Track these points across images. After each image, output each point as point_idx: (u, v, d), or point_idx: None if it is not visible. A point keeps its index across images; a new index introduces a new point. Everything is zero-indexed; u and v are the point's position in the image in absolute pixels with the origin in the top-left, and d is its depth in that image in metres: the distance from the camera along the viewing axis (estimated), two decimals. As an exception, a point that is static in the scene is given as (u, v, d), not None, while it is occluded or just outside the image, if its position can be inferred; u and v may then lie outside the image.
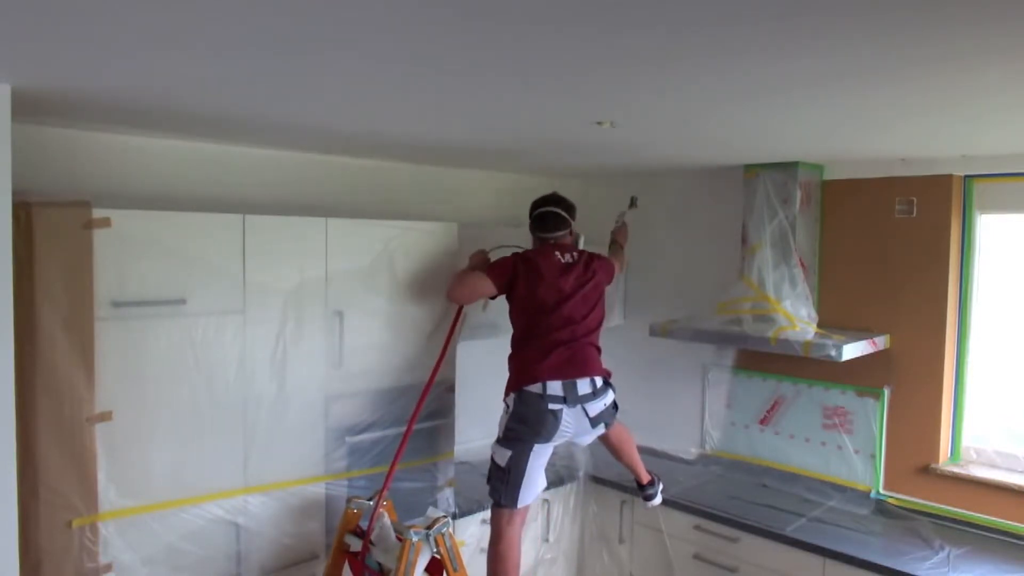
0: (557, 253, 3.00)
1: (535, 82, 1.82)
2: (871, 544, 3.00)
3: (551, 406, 2.79)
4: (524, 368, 2.86)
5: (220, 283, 2.60)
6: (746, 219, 3.56)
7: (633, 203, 3.67)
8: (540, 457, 2.87)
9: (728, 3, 1.22)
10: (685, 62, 1.61)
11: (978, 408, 3.27)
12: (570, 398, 2.81)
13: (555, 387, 2.80)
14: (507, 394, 2.91)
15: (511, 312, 3.00)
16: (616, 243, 3.57)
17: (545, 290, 2.90)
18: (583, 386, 2.84)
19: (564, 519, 3.81)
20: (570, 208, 3.14)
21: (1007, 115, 2.18)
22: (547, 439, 2.84)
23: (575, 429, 2.88)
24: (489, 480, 2.93)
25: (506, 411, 2.90)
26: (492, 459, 2.92)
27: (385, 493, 2.80)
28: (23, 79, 1.83)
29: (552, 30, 1.38)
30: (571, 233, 3.14)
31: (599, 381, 2.90)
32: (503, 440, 2.88)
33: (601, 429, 2.97)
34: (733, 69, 1.66)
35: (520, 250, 3.08)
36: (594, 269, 3.03)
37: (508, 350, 3.01)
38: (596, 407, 2.88)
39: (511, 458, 2.84)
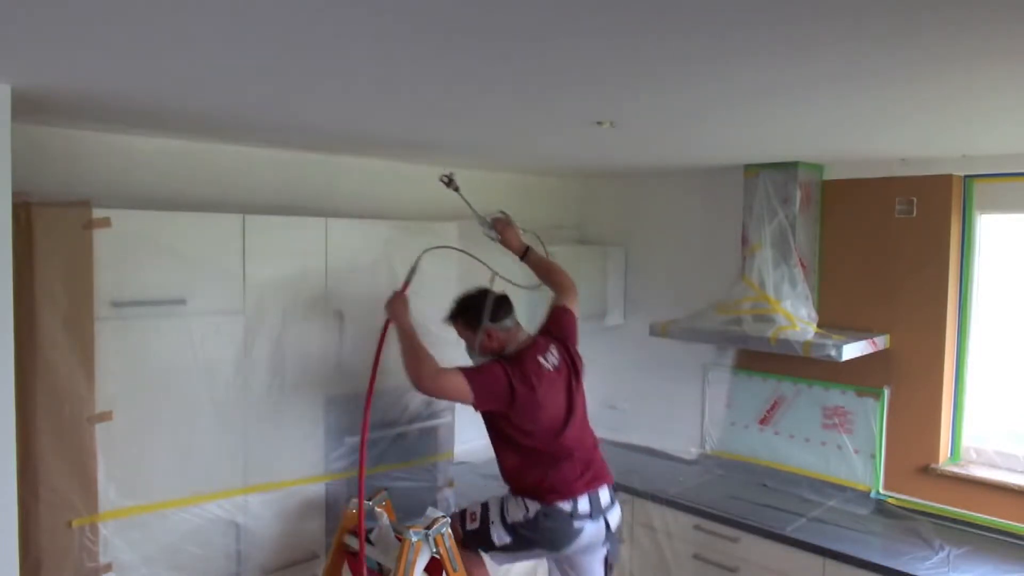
0: (540, 359, 2.67)
1: (535, 82, 1.82)
2: (871, 544, 3.00)
3: (576, 524, 2.62)
4: (550, 484, 2.62)
5: (220, 283, 2.61)
6: (746, 219, 3.56)
7: (449, 182, 2.96)
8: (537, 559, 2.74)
9: (728, 6, 1.22)
10: (685, 63, 1.61)
11: (978, 408, 3.27)
12: (595, 511, 2.65)
13: (584, 503, 2.62)
14: (525, 495, 2.66)
15: (498, 424, 2.67)
16: (528, 254, 2.99)
17: (549, 410, 2.64)
18: (604, 495, 2.69)
19: (564, 519, 3.81)
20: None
21: (1007, 115, 2.18)
22: (558, 551, 2.67)
23: (589, 540, 2.67)
24: (470, 533, 2.72)
25: (521, 511, 2.65)
26: (485, 522, 2.68)
27: (363, 500, 2.68)
28: (23, 79, 1.83)
29: (552, 31, 1.38)
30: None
31: (611, 488, 2.75)
32: (509, 531, 2.66)
33: (609, 546, 2.74)
34: (733, 70, 1.66)
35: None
36: (573, 356, 2.78)
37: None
38: (615, 516, 2.73)
39: (509, 546, 2.67)
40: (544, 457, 2.64)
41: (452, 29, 1.38)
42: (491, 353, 2.73)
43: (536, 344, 2.72)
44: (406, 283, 2.80)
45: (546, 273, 2.99)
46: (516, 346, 2.71)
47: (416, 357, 2.55)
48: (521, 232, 3.02)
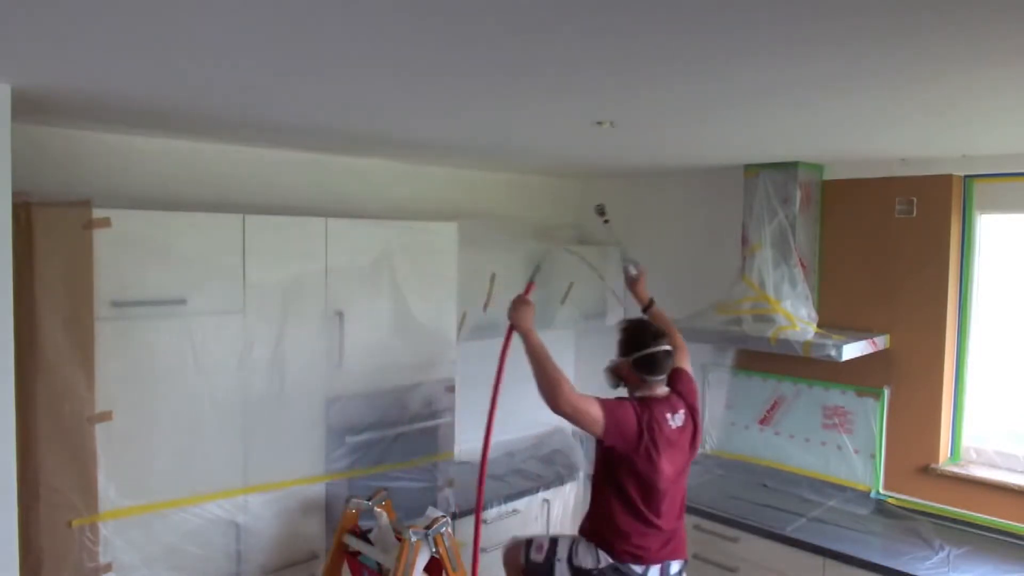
0: (668, 415, 2.61)
1: (535, 82, 1.82)
2: (871, 544, 3.00)
3: None
4: (630, 545, 2.59)
5: (220, 283, 2.61)
6: (746, 219, 3.56)
7: (602, 213, 3.12)
8: None
9: (728, 6, 1.22)
10: (685, 63, 1.60)
11: (978, 408, 3.27)
12: None
13: (655, 572, 2.60)
14: (601, 545, 2.63)
15: (614, 465, 2.60)
16: (652, 306, 3.06)
17: (661, 465, 2.55)
18: (674, 568, 2.66)
19: (564, 519, 3.81)
20: (668, 336, 2.72)
21: (1007, 115, 2.18)
22: None
23: None
24: (533, 564, 2.72)
25: (591, 559, 2.62)
26: (551, 558, 2.68)
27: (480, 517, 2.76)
28: (23, 79, 1.83)
29: (552, 32, 1.38)
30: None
31: (683, 564, 2.71)
32: (574, 573, 2.63)
33: None
34: (733, 70, 1.66)
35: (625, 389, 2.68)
36: (696, 424, 2.70)
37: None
38: None
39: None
40: (637, 512, 2.58)
41: (450, 31, 1.38)
42: (617, 377, 2.72)
43: (668, 400, 2.66)
44: (529, 284, 2.72)
45: (669, 327, 2.95)
46: (645, 393, 2.66)
47: (552, 377, 2.50)
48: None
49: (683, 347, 2.92)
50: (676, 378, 2.77)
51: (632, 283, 3.12)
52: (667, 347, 2.64)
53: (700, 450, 3.95)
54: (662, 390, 2.68)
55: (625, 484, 2.58)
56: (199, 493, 2.57)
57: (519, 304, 2.69)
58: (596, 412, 2.49)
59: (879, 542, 3.03)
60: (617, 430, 2.51)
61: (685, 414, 2.66)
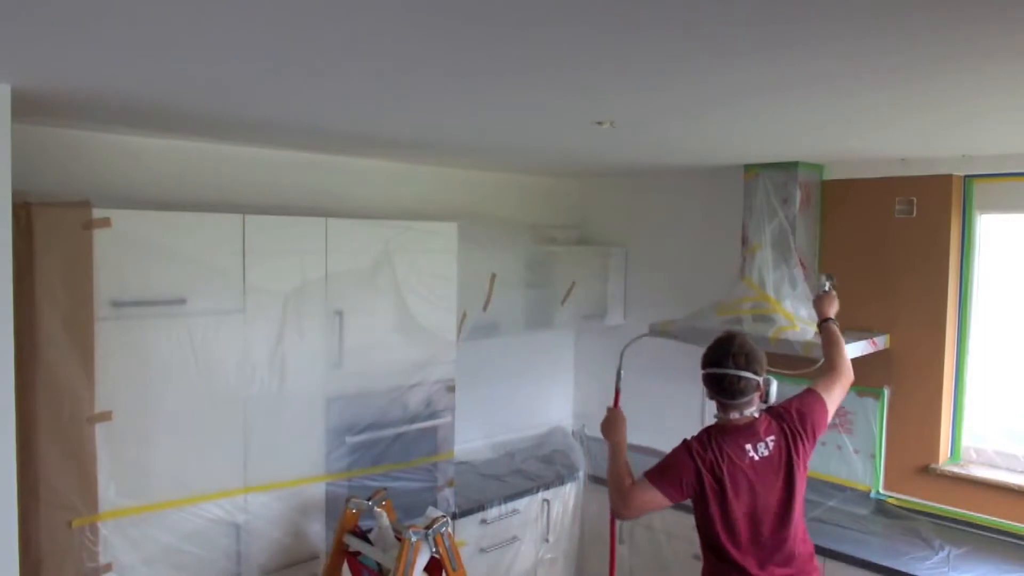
0: (747, 446, 2.35)
1: (535, 82, 1.82)
2: (871, 544, 3.00)
3: None
4: None
5: (220, 283, 2.61)
6: (746, 219, 3.56)
7: (830, 279, 3.01)
8: None
9: (729, 6, 1.22)
10: (685, 62, 1.61)
11: (978, 408, 3.27)
12: None
13: None
14: None
15: (696, 515, 2.43)
16: (826, 323, 2.82)
17: (743, 505, 2.33)
18: None
19: (564, 519, 3.81)
20: (755, 360, 2.37)
21: (1007, 115, 2.18)
22: None
23: None
24: None
25: None
26: None
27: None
28: (23, 79, 1.83)
29: (552, 31, 1.38)
30: (760, 386, 2.40)
31: None
32: None
33: None
34: (733, 70, 1.66)
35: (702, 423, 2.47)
36: (796, 446, 2.40)
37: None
38: None
39: None
40: (731, 562, 2.35)
41: (450, 31, 1.38)
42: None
43: (751, 427, 2.39)
44: (616, 394, 2.72)
45: (830, 346, 2.74)
46: (720, 416, 2.43)
47: (613, 484, 2.39)
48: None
49: (833, 372, 2.64)
50: (799, 398, 2.54)
51: (824, 300, 2.90)
52: (740, 372, 2.33)
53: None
54: (740, 416, 2.38)
55: (709, 533, 2.39)
56: (199, 493, 2.58)
57: (613, 418, 2.57)
58: (653, 495, 2.33)
59: (879, 542, 3.03)
60: (676, 488, 2.34)
61: (775, 442, 2.38)
